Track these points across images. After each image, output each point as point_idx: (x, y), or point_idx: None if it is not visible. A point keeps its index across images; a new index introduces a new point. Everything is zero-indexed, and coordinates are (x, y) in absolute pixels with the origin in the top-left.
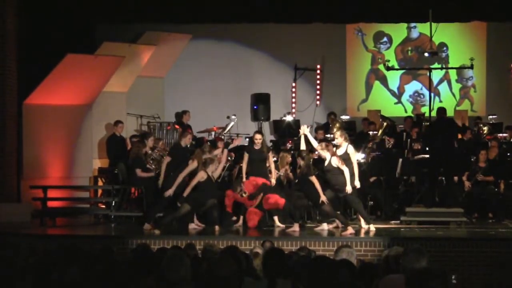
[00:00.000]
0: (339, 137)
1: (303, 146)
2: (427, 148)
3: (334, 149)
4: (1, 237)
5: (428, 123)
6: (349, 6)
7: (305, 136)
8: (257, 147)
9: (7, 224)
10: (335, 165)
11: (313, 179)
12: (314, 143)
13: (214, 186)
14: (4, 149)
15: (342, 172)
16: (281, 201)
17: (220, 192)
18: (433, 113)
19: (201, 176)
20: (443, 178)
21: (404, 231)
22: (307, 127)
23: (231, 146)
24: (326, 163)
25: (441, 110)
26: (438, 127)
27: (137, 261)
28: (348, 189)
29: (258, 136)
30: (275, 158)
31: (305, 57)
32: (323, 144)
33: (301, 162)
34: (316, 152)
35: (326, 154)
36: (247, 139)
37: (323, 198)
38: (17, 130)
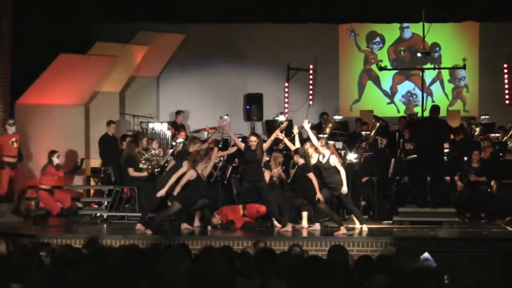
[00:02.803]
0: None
1: (298, 144)
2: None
3: (321, 156)
4: None
5: (417, 122)
6: (341, 6)
7: (299, 135)
8: (252, 148)
9: None
10: (332, 164)
11: (311, 176)
12: (314, 140)
13: (204, 185)
14: None
15: (338, 171)
16: (262, 208)
17: (213, 192)
18: (426, 113)
19: (190, 174)
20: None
21: (397, 231)
22: (308, 122)
23: (225, 152)
24: (324, 160)
25: (435, 109)
26: (428, 126)
27: (129, 261)
28: (344, 189)
29: (252, 138)
30: (267, 158)
31: (298, 57)
32: (323, 140)
33: (298, 159)
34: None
35: (325, 152)
36: (240, 139)
37: (319, 195)
38: None
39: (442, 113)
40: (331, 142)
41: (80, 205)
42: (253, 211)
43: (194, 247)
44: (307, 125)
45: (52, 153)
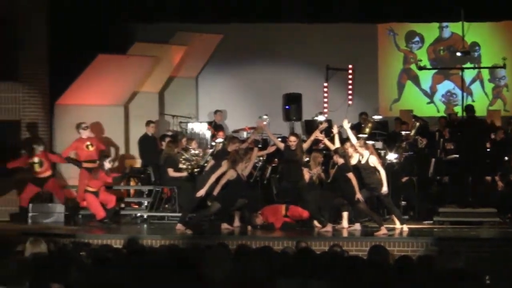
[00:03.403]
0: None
1: (337, 144)
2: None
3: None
4: (35, 237)
5: (457, 123)
6: (380, 6)
7: (339, 134)
8: (292, 148)
9: (40, 224)
10: (372, 164)
11: (351, 176)
12: (353, 140)
13: (244, 185)
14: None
15: (377, 171)
16: (305, 213)
17: (253, 192)
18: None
19: (230, 174)
20: (472, 178)
21: (437, 231)
22: (348, 122)
23: (264, 152)
24: (363, 161)
25: (469, 108)
26: (468, 126)
27: (169, 261)
28: (385, 189)
29: (292, 138)
30: (307, 158)
31: (337, 57)
32: (362, 141)
33: (338, 159)
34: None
35: (364, 152)
36: (279, 139)
37: (358, 195)
38: (49, 130)
39: (482, 112)
40: (370, 142)
41: (122, 205)
42: (296, 214)
43: (234, 247)
44: (346, 125)
45: (104, 157)
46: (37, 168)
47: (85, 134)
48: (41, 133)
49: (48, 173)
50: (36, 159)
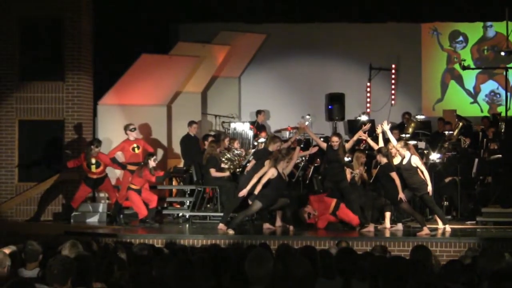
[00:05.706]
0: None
1: (381, 143)
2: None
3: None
4: (77, 236)
5: (500, 123)
6: (424, 5)
7: (383, 134)
8: (334, 148)
9: (83, 223)
10: (414, 165)
11: (394, 175)
12: (394, 141)
13: (285, 183)
14: (79, 149)
15: (419, 171)
16: (355, 221)
17: (295, 192)
18: (510, 113)
19: (271, 173)
20: None
21: (481, 232)
22: (388, 124)
23: (307, 152)
24: (405, 161)
25: None
26: (511, 127)
27: (210, 260)
28: (429, 188)
29: (334, 139)
30: (349, 158)
31: (380, 56)
32: (403, 142)
33: (381, 158)
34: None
35: (405, 153)
36: (321, 139)
37: (401, 195)
38: (92, 130)
39: None
40: (413, 142)
41: (164, 204)
42: (345, 218)
43: (276, 247)
44: (386, 127)
45: (149, 156)
46: (94, 169)
47: (133, 135)
48: (84, 133)
49: (104, 174)
50: (93, 160)
